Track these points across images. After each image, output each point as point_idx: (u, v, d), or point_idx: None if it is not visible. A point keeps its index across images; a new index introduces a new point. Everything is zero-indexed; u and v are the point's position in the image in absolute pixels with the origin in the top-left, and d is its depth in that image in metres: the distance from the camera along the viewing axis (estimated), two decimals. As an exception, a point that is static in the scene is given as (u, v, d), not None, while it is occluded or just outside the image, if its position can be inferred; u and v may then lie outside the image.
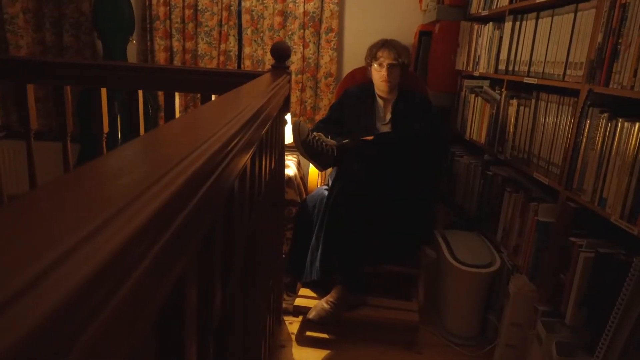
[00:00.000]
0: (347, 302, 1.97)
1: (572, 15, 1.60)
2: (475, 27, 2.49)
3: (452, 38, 2.70)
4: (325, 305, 1.92)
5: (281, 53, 1.77)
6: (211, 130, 0.59)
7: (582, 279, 1.43)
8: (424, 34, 2.83)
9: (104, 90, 1.80)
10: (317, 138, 2.04)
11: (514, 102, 2.01)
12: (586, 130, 1.48)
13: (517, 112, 1.98)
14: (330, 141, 2.08)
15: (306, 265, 2.08)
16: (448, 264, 2.01)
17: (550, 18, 1.76)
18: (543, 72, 1.78)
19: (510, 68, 2.07)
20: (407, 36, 2.91)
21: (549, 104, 1.74)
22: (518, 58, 2.01)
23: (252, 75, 1.71)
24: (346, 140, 2.13)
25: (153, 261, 0.35)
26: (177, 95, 1.82)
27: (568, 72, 1.62)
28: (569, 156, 1.56)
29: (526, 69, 1.92)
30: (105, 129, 1.85)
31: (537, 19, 1.87)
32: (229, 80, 1.77)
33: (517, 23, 2.03)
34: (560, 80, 1.65)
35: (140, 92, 1.82)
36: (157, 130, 0.62)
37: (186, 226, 0.43)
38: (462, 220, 2.53)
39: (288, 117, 2.24)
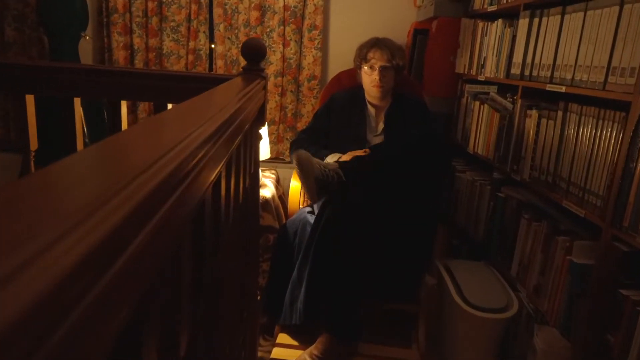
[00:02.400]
0: (336, 354, 1.63)
1: (616, 8, 1.29)
2: (480, 24, 2.18)
3: (452, 37, 2.40)
4: (310, 361, 1.58)
5: (255, 52, 1.41)
6: (165, 148, 0.48)
7: (642, 347, 1.12)
8: (419, 33, 2.52)
9: (30, 98, 1.43)
10: (324, 168, 1.69)
11: (533, 112, 1.70)
12: (642, 153, 1.17)
13: (538, 125, 1.67)
14: (331, 164, 1.74)
15: (284, 305, 1.74)
16: (455, 306, 1.69)
17: (582, 13, 1.45)
18: (573, 78, 1.47)
19: (527, 73, 1.75)
20: (400, 35, 2.59)
21: (583, 117, 1.43)
22: (537, 61, 1.69)
23: (217, 80, 1.37)
24: (340, 158, 1.80)
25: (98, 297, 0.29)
26: (124, 103, 1.45)
27: (611, 79, 1.30)
28: (616, 185, 1.25)
29: (548, 74, 1.61)
30: (34, 145, 1.48)
31: (562, 14, 1.56)
32: (188, 85, 1.42)
33: (536, 20, 1.72)
34: (600, 89, 1.34)
35: (77, 100, 1.45)
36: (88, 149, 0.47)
37: (134, 263, 0.34)
38: (466, 245, 2.22)
39: (265, 130, 1.89)
